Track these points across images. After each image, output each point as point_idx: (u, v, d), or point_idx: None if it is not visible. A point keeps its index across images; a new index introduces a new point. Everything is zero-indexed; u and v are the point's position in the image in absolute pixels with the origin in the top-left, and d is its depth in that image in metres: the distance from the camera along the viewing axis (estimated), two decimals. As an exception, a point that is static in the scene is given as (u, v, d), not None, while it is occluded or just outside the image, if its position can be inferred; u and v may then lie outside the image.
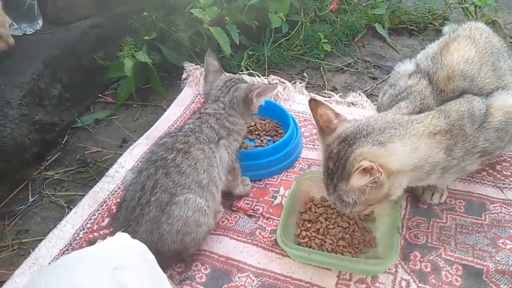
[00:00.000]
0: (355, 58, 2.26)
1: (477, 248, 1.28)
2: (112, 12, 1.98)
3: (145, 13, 1.98)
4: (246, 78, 1.99)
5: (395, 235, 1.24)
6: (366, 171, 1.04)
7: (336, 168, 1.12)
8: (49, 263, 1.30)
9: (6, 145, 1.48)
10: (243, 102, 1.37)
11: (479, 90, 1.25)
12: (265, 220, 1.42)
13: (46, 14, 1.88)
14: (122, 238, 0.85)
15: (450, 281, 1.21)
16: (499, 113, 1.22)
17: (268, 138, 1.73)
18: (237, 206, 1.46)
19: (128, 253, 0.81)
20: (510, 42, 2.28)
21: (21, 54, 1.70)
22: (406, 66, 1.42)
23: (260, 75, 2.02)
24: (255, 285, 1.23)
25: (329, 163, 1.14)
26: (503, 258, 1.24)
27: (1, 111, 1.49)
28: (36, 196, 1.56)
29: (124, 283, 0.73)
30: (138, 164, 1.64)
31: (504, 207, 1.41)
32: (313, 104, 1.23)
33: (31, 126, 1.59)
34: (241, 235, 1.37)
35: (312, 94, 1.98)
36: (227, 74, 1.46)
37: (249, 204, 1.48)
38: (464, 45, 1.31)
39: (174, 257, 1.21)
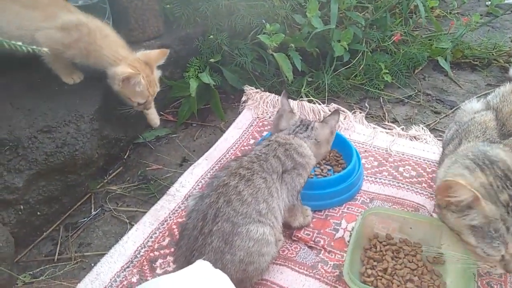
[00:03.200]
0: (416, 91, 2.21)
1: (558, 304, 1.19)
2: (180, 34, 2.04)
3: (211, 36, 2.03)
4: (306, 104, 2.00)
5: (469, 283, 1.17)
6: None
7: None
8: (110, 279, 1.30)
9: (77, 158, 1.52)
10: (329, 137, 1.39)
11: None
12: (327, 254, 1.38)
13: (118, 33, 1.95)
14: (204, 266, 0.84)
15: (529, 338, 1.12)
16: None
17: (328, 167, 1.70)
18: (297, 236, 1.43)
19: (213, 283, 0.79)
20: None
21: (95, 70, 1.76)
22: (472, 104, 1.39)
23: (320, 103, 2.01)
24: (318, 322, 1.18)
25: None
26: None
27: (75, 125, 1.54)
28: (98, 210, 1.59)
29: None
30: (198, 185, 1.65)
31: None
32: None
33: (100, 141, 1.64)
34: (302, 267, 1.33)
35: (372, 125, 1.94)
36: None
37: (309, 235, 1.44)
38: None
39: (237, 286, 1.18)
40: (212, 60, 2.03)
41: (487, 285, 1.27)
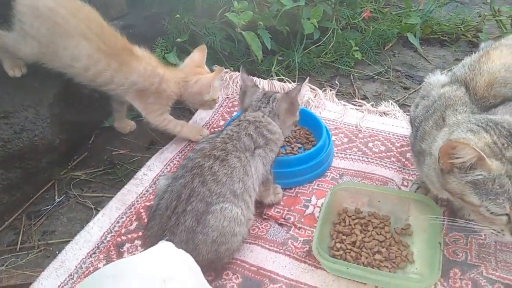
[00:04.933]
0: (386, 67, 2.21)
1: (520, 268, 1.22)
2: (145, 13, 1.98)
3: (177, 15, 1.97)
4: (276, 83, 1.97)
5: (435, 252, 1.18)
6: None
7: None
8: (76, 266, 1.27)
9: (37, 144, 1.46)
10: (289, 108, 1.36)
11: None
12: (297, 230, 1.38)
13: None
14: (167, 247, 0.82)
15: (492, 301, 1.15)
16: None
17: (299, 145, 1.69)
18: (267, 214, 1.42)
19: (175, 264, 0.77)
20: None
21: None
22: (438, 77, 1.38)
23: (291, 81, 1.99)
24: (288, 297, 1.18)
25: None
26: (548, 279, 1.18)
27: (34, 109, 1.47)
28: (62, 196, 1.54)
29: (174, 296, 0.69)
30: (166, 168, 1.61)
31: (547, 226, 1.34)
32: None
33: (61, 126, 1.57)
34: (272, 245, 1.33)
35: (343, 102, 1.93)
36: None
37: (280, 212, 1.43)
38: (507, 53, 1.28)
39: (206, 266, 1.17)
40: (179, 40, 1.98)
41: (453, 253, 1.29)
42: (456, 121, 1.15)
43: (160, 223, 1.16)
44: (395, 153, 1.66)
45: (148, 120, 1.65)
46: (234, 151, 1.23)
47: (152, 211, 1.21)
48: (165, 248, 0.81)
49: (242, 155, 1.23)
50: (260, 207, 1.42)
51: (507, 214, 1.03)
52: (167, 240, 1.11)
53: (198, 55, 1.71)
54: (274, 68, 2.07)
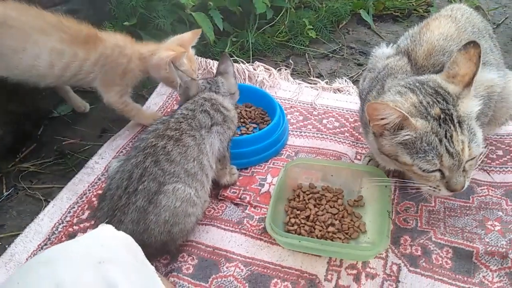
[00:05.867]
0: (340, 45, 2.23)
1: (467, 231, 1.27)
2: (89, -3, 1.90)
3: (124, -2, 1.91)
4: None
5: (385, 220, 1.22)
6: None
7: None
8: (27, 259, 1.23)
9: (-23, 136, 1.40)
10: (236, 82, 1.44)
11: None
12: (252, 209, 1.38)
13: None
14: (106, 230, 0.80)
15: (440, 264, 1.20)
16: (480, 88, 1.21)
17: (254, 125, 1.69)
18: (223, 195, 1.42)
19: (113, 246, 0.75)
20: (493, 28, 2.28)
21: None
22: (383, 50, 1.41)
23: (245, 62, 1.97)
24: (244, 274, 1.19)
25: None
26: (492, 240, 1.23)
27: (-29, 100, 1.40)
28: (11, 190, 1.48)
29: (110, 277, 0.67)
30: (119, 155, 1.58)
31: (491, 190, 1.40)
32: None
33: (4, 117, 1.51)
34: (228, 224, 1.33)
35: (298, 81, 1.94)
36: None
37: (236, 192, 1.43)
38: (445, 23, 1.32)
39: (160, 248, 1.16)
40: (127, 23, 1.91)
41: (404, 221, 1.33)
42: (389, 86, 1.18)
43: (111, 203, 1.13)
44: (348, 128, 1.69)
45: (109, 101, 1.59)
46: (189, 130, 1.22)
47: (103, 192, 1.19)
48: (103, 230, 0.79)
49: (197, 133, 1.23)
50: (216, 188, 1.41)
51: (439, 170, 1.07)
52: (117, 220, 1.11)
53: (188, 36, 1.63)
54: (228, 49, 2.05)
